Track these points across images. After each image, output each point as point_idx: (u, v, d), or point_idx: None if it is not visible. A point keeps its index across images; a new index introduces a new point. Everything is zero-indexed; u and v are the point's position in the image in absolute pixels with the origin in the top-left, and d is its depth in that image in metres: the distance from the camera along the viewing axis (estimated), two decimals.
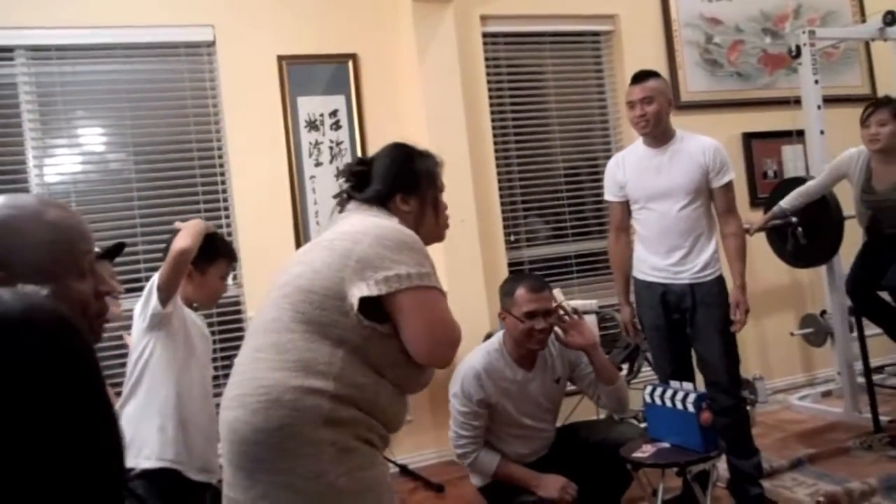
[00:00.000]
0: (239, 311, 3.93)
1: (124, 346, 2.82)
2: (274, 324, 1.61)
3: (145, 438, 2.22)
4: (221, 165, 3.96)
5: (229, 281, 3.86)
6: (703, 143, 3.01)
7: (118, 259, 3.17)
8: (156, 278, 2.21)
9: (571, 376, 2.81)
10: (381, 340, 1.60)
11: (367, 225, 1.66)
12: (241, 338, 3.86)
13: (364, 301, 1.56)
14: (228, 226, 3.93)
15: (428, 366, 1.67)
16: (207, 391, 2.43)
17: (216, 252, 2.40)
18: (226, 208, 3.95)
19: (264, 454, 1.52)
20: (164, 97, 3.91)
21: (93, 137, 3.87)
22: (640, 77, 3.03)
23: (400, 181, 1.77)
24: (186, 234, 2.20)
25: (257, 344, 1.63)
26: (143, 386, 2.26)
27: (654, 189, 3.01)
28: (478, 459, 2.66)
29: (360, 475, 1.55)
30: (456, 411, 2.67)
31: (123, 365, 2.42)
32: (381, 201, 1.75)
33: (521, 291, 2.62)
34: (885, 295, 3.64)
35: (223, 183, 3.96)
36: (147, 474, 2.18)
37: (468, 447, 2.66)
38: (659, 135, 3.01)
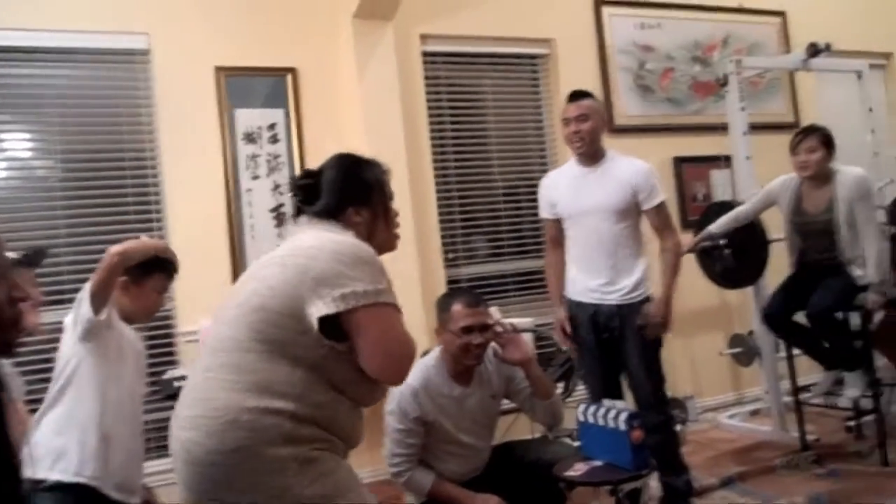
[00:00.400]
0: (169, 326, 3.82)
1: (47, 359, 2.71)
2: (229, 343, 1.59)
3: (63, 450, 2.12)
4: (155, 176, 3.86)
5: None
6: (635, 165, 3.08)
7: (40, 269, 3.07)
8: (87, 285, 2.13)
9: (507, 391, 2.82)
10: (339, 358, 1.60)
11: (322, 240, 1.65)
12: (170, 353, 3.77)
13: (322, 319, 1.55)
14: (161, 237, 3.83)
15: (382, 382, 1.68)
16: (136, 408, 2.35)
17: (155, 265, 2.33)
18: (158, 220, 3.85)
19: (221, 476, 1.51)
20: (96, 105, 3.80)
21: (17, 143, 3.73)
22: (577, 96, 3.09)
23: (350, 193, 1.77)
24: (128, 243, 2.13)
25: (211, 363, 1.60)
26: (67, 396, 2.18)
27: (584, 205, 3.07)
28: (412, 478, 2.64)
29: (326, 481, 1.55)
30: (392, 429, 2.64)
31: (44, 380, 2.33)
32: (333, 214, 1.75)
33: (457, 307, 2.61)
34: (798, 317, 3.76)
35: (156, 195, 3.86)
36: (61, 487, 2.09)
37: (403, 465, 2.63)
38: (592, 153, 3.07)
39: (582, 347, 3.19)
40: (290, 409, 1.53)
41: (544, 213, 3.27)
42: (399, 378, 1.70)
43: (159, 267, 2.37)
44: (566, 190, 3.14)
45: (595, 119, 3.04)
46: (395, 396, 2.62)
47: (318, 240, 1.66)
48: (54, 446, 2.12)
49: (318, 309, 1.55)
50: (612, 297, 3.05)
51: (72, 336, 2.19)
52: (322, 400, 1.58)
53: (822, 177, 3.60)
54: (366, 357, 1.59)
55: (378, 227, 1.80)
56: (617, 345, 3.09)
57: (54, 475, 2.10)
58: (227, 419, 1.51)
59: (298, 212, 1.80)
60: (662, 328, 3.05)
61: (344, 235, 1.70)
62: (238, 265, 3.90)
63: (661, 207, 3.08)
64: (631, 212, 3.03)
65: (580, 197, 3.08)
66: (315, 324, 1.55)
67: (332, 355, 1.59)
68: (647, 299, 3.06)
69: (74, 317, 2.17)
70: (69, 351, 2.20)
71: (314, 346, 1.56)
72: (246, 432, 1.50)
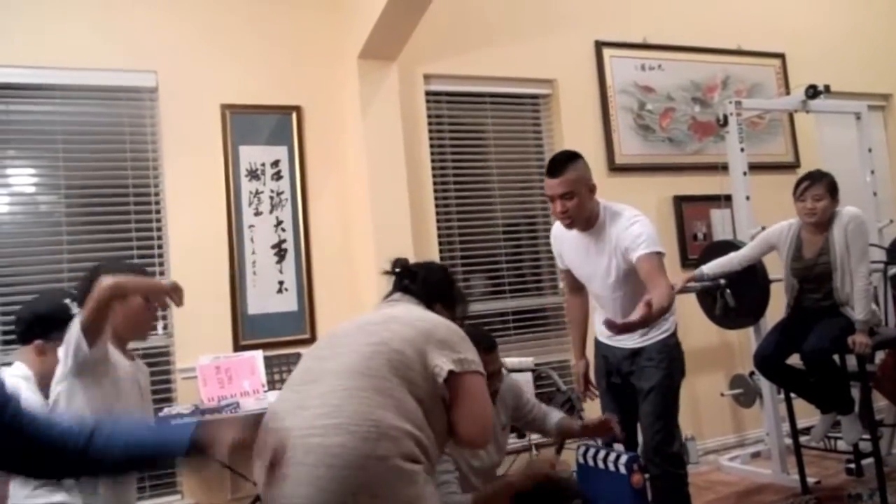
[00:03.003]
0: (168, 363, 3.82)
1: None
2: (370, 370, 1.81)
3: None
4: (158, 212, 3.89)
5: (159, 330, 3.79)
6: (620, 226, 2.85)
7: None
8: (78, 319, 2.04)
9: (514, 417, 2.79)
10: (441, 408, 1.86)
11: (434, 317, 2.01)
12: (168, 390, 3.77)
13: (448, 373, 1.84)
14: (162, 273, 3.85)
15: (468, 444, 1.93)
16: None
17: (133, 271, 2.25)
18: (160, 255, 3.87)
19: (367, 479, 1.67)
20: (102, 140, 3.85)
21: (23, 178, 3.77)
22: (556, 167, 2.83)
23: (443, 294, 2.22)
24: (120, 277, 2.06)
25: (353, 384, 1.78)
26: None
27: (587, 272, 3.00)
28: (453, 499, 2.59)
29: (439, 499, 1.83)
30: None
31: None
32: (428, 301, 2.14)
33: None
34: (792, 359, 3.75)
35: (159, 230, 3.89)
36: None
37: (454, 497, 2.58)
38: (582, 224, 2.91)
39: (598, 389, 3.18)
40: (417, 435, 1.76)
41: (559, 262, 3.22)
42: (485, 442, 1.94)
43: (137, 273, 2.26)
44: (570, 251, 3.06)
45: (581, 191, 2.81)
46: None
47: (431, 316, 2.02)
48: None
49: (444, 363, 1.84)
50: (624, 341, 3.01)
51: (62, 370, 2.10)
52: (433, 435, 1.83)
53: (824, 223, 3.62)
54: (463, 417, 1.86)
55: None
56: (630, 388, 3.03)
57: None
58: (380, 430, 1.70)
59: (396, 286, 2.21)
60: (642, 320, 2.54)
61: (441, 318, 2.02)
62: (238, 301, 3.91)
63: (648, 257, 2.75)
64: (630, 275, 2.86)
65: (582, 263, 3.01)
66: (444, 373, 1.83)
67: (439, 404, 1.85)
68: (661, 342, 2.95)
69: (65, 350, 2.08)
70: (59, 386, 2.11)
71: (432, 391, 1.83)
72: (392, 444, 1.70)
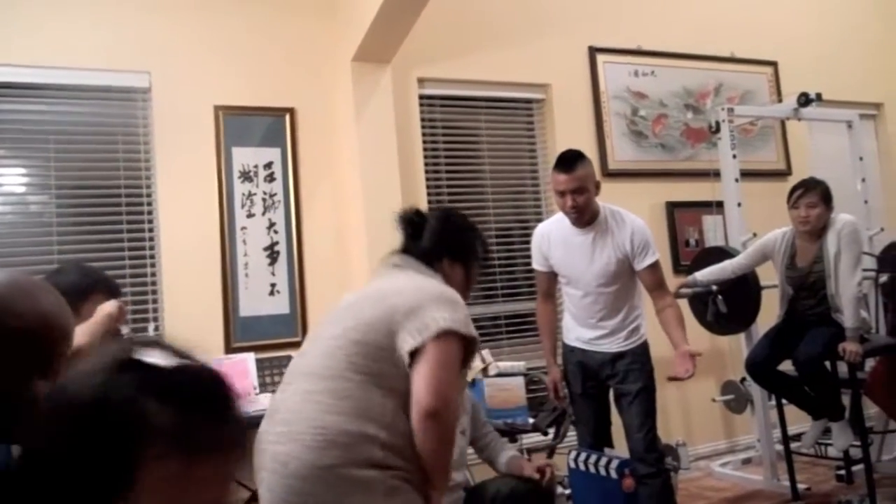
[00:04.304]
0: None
1: None
2: (328, 370, 1.72)
3: None
4: (150, 213, 3.88)
5: (150, 331, 3.77)
6: (626, 229, 2.99)
7: None
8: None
9: (472, 437, 2.74)
10: None
11: (412, 284, 1.84)
12: None
13: (412, 353, 1.70)
14: (154, 274, 3.83)
15: (423, 416, 1.67)
16: None
17: (91, 286, 2.15)
18: (152, 256, 3.85)
19: (311, 489, 1.62)
20: (94, 140, 3.82)
21: (13, 177, 3.74)
22: (568, 164, 2.93)
23: (451, 246, 1.99)
24: (85, 332, 1.95)
25: (310, 388, 1.73)
26: None
27: (577, 271, 3.04)
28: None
29: None
30: None
31: None
32: (429, 259, 1.94)
33: None
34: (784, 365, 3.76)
35: (151, 231, 3.87)
36: None
37: None
38: (587, 218, 3.00)
39: (573, 393, 3.18)
40: (381, 437, 1.64)
41: (537, 264, 3.24)
42: (440, 412, 1.66)
43: (96, 286, 2.18)
44: (559, 249, 3.10)
45: (589, 187, 2.93)
46: None
47: (409, 280, 1.85)
48: None
49: (406, 343, 1.69)
50: (606, 346, 3.04)
51: None
52: (406, 430, 1.67)
53: (818, 231, 3.63)
54: (417, 384, 1.67)
55: (458, 283, 1.95)
56: (607, 393, 3.08)
57: None
58: (327, 438, 1.63)
59: (402, 249, 2.00)
60: (693, 360, 2.92)
61: (432, 279, 1.85)
62: (230, 302, 3.89)
63: (654, 267, 3.01)
64: (624, 273, 3.00)
65: (573, 260, 3.05)
66: (406, 358, 1.68)
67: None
68: (643, 345, 3.06)
69: None
70: None
71: (404, 378, 1.69)
72: (341, 452, 1.62)
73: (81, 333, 1.94)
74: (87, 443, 0.73)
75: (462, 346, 1.74)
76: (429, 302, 1.73)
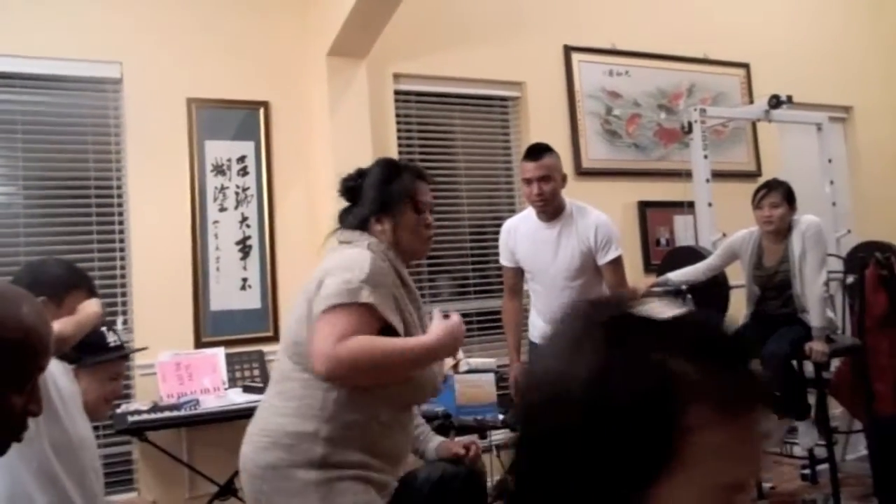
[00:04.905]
0: (127, 357, 3.76)
1: None
2: (278, 374, 1.80)
3: None
4: (120, 205, 3.83)
5: (119, 325, 3.73)
6: (590, 222, 3.03)
7: None
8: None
9: None
10: None
11: (324, 266, 1.80)
12: (126, 386, 3.70)
13: None
14: (123, 268, 3.79)
15: (323, 378, 1.69)
16: (92, 454, 2.08)
17: (74, 281, 2.14)
18: (122, 249, 3.81)
19: (263, 488, 1.69)
20: (64, 132, 3.77)
21: None
22: (536, 153, 3.01)
23: (374, 204, 1.88)
24: (71, 321, 1.95)
25: (269, 391, 1.81)
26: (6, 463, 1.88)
27: (541, 265, 3.08)
28: None
29: None
30: None
31: None
32: (362, 225, 1.88)
33: None
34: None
35: (121, 224, 3.82)
36: None
37: None
38: (552, 210, 3.05)
39: None
40: (323, 433, 1.66)
41: (504, 260, 3.27)
42: (326, 370, 1.62)
43: (78, 281, 2.16)
44: (524, 243, 3.14)
45: (556, 177, 2.99)
46: None
47: (327, 262, 1.81)
48: None
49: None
50: None
51: None
52: (354, 419, 1.68)
53: (782, 231, 3.68)
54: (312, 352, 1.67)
55: (402, 236, 1.87)
56: None
57: None
58: (271, 440, 1.69)
59: (341, 218, 1.94)
60: None
61: (354, 249, 1.78)
62: (201, 296, 3.86)
63: (616, 263, 3.04)
64: (588, 269, 3.04)
65: (538, 254, 3.08)
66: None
67: None
68: None
69: None
70: None
71: None
72: (282, 453, 1.66)
73: (67, 324, 1.93)
74: (617, 422, 0.64)
75: (362, 311, 1.66)
76: (326, 282, 1.71)
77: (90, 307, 2.05)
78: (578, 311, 0.73)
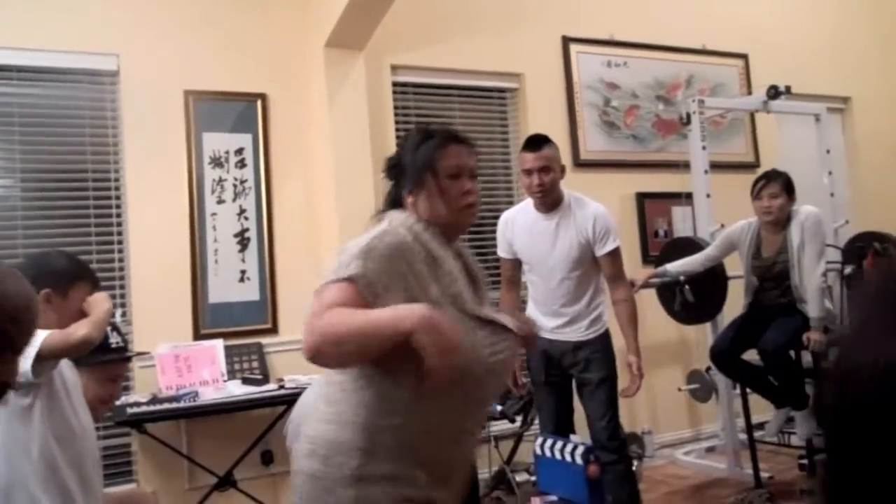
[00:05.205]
0: (129, 360, 3.76)
1: None
2: (326, 375, 1.65)
3: None
4: (118, 198, 3.83)
5: (118, 317, 3.73)
6: (588, 213, 3.03)
7: None
8: (38, 342, 1.83)
9: None
10: (392, 370, 1.52)
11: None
12: (126, 377, 3.71)
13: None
14: (121, 260, 3.79)
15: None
16: (93, 444, 2.13)
17: (78, 273, 2.14)
18: (120, 241, 3.81)
19: (301, 491, 1.56)
20: (62, 124, 3.77)
21: None
22: (536, 144, 3.00)
23: (404, 179, 1.72)
24: (91, 323, 1.93)
25: (319, 393, 1.67)
26: (11, 450, 1.94)
27: (539, 257, 3.07)
28: None
29: None
30: None
31: None
32: (395, 204, 1.73)
33: None
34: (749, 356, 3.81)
35: (119, 216, 3.82)
36: None
37: None
38: (550, 202, 3.04)
39: (535, 382, 3.21)
40: (359, 443, 1.50)
41: (502, 251, 3.27)
42: (308, 351, 1.42)
43: (83, 273, 2.16)
44: (522, 235, 3.13)
45: (556, 168, 2.99)
46: (299, 419, 2.58)
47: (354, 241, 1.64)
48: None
49: None
50: (568, 334, 3.07)
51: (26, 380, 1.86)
52: (389, 423, 1.51)
53: (781, 221, 3.68)
54: None
55: (433, 206, 1.68)
56: (569, 381, 3.11)
57: None
58: (309, 448, 1.55)
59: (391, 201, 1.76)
60: (640, 380, 3.00)
61: (376, 228, 1.64)
62: (199, 289, 3.87)
63: (614, 255, 3.04)
64: (585, 261, 3.03)
65: (536, 245, 3.08)
66: None
67: (381, 370, 1.52)
68: (604, 334, 3.09)
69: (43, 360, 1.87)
70: (28, 399, 1.93)
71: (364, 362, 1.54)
72: (319, 464, 1.52)
73: (91, 326, 1.93)
74: None
75: (344, 285, 1.50)
76: (342, 253, 1.60)
77: (102, 304, 2.04)
78: (883, 291, 0.65)
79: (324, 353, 1.43)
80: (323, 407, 1.59)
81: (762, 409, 4.23)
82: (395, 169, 1.75)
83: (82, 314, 2.09)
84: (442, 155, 1.69)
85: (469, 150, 1.74)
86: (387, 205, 1.75)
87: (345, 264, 1.53)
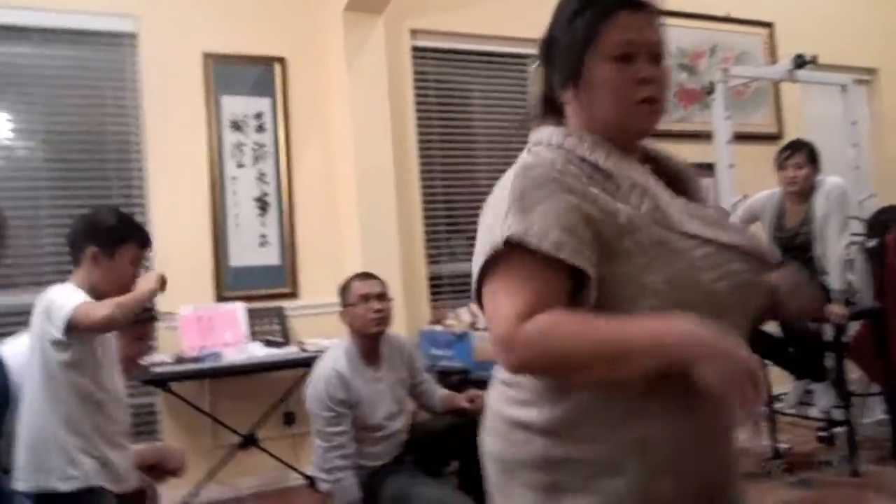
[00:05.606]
0: (155, 319, 3.78)
1: None
2: None
3: (69, 459, 1.99)
4: (139, 161, 3.83)
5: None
6: None
7: (21, 250, 3.00)
8: (73, 306, 1.93)
9: (410, 377, 2.91)
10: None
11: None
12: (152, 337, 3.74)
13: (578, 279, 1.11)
14: (143, 223, 3.79)
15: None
16: (123, 397, 2.21)
17: (126, 233, 2.16)
18: (140, 205, 3.82)
19: (489, 478, 1.23)
20: (82, 86, 3.76)
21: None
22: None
23: (556, 70, 1.23)
24: (124, 306, 1.98)
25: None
26: (51, 398, 2.01)
27: None
28: (344, 484, 2.59)
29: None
30: (320, 420, 2.64)
31: None
32: (551, 106, 1.28)
33: (354, 283, 2.80)
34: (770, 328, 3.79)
35: (139, 178, 3.83)
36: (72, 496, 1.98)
37: (338, 461, 2.60)
38: None
39: None
40: (537, 421, 1.12)
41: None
42: (514, 369, 1.10)
43: (132, 235, 2.19)
44: None
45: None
46: (318, 382, 2.65)
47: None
48: (54, 458, 1.98)
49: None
50: None
51: (46, 329, 1.99)
52: (559, 397, 1.11)
53: (806, 192, 3.64)
54: None
55: (597, 104, 1.19)
56: None
57: (64, 486, 1.98)
58: (489, 424, 1.21)
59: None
60: None
61: (514, 167, 1.25)
62: (220, 252, 3.88)
63: None
64: None
65: None
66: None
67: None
68: None
69: (44, 320, 1.98)
70: (44, 346, 2.00)
71: None
72: (502, 443, 1.17)
73: (116, 307, 1.95)
74: None
75: (514, 265, 1.11)
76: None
77: (145, 284, 2.09)
78: None
79: (536, 372, 1.12)
80: (501, 375, 1.24)
81: (781, 381, 4.21)
82: (548, 51, 1.26)
83: (134, 276, 2.17)
84: (606, 28, 1.16)
85: (648, 20, 1.19)
86: (542, 107, 1.30)
87: (494, 233, 1.12)
